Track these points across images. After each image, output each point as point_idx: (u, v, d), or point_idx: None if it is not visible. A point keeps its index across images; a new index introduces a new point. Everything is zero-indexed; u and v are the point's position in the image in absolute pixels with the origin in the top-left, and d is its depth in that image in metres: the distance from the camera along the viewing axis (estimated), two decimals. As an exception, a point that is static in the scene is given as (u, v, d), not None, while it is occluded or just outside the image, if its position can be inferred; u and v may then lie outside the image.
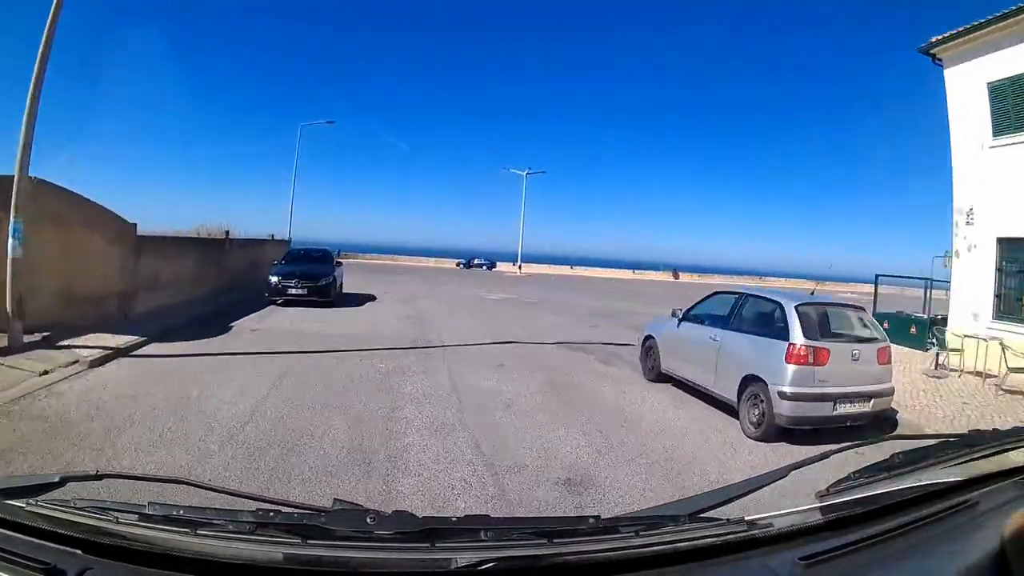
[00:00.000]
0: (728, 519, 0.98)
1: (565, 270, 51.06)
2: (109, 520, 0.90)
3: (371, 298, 15.82)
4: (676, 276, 49.55)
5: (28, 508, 0.92)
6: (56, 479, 1.02)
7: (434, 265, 50.86)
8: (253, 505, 0.98)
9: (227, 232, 16.57)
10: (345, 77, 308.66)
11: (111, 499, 1.08)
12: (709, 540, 0.95)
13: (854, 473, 1.16)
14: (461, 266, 49.67)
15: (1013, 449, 1.25)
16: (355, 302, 14.43)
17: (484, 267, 49.79)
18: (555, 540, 0.90)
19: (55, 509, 0.92)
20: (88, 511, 0.92)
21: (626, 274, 49.81)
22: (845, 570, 0.95)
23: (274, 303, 12.77)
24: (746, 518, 0.99)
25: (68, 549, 0.87)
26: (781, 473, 1.13)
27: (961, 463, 1.21)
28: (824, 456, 1.24)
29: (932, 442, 1.28)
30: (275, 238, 23.08)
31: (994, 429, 1.34)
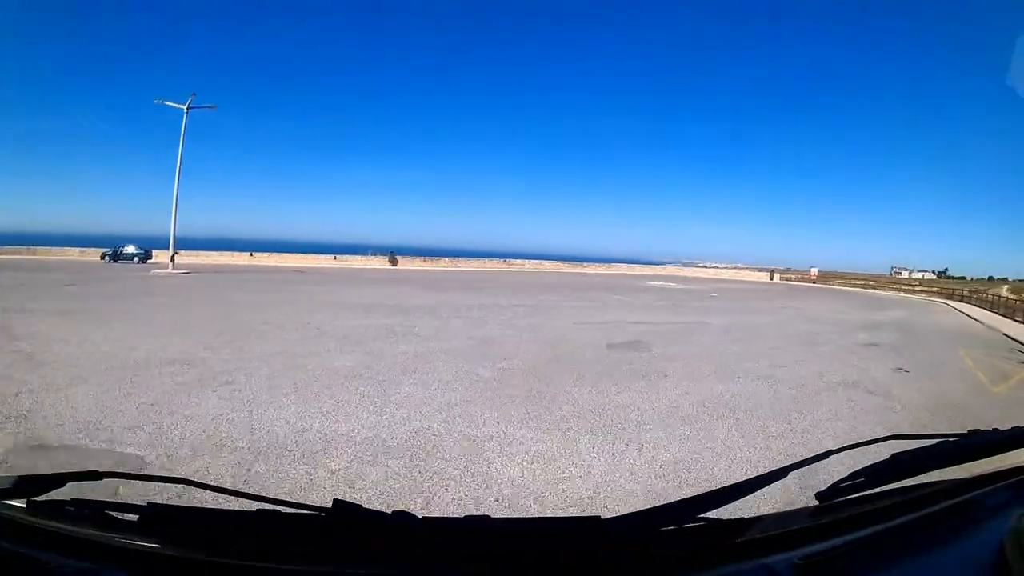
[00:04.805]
0: (727, 520, 0.98)
1: (245, 258, 41.04)
2: (109, 520, 0.90)
3: None
4: (394, 263, 42.83)
5: (28, 508, 0.92)
6: (56, 478, 1.01)
7: (78, 257, 38.77)
8: (253, 505, 0.98)
9: None
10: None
11: (111, 499, 1.08)
12: (708, 541, 0.96)
13: (854, 473, 1.15)
14: (107, 259, 37.82)
15: (1013, 449, 1.25)
16: None
17: (136, 259, 38.23)
18: (555, 541, 0.90)
19: (55, 509, 0.93)
20: (88, 511, 0.92)
21: (327, 260, 43.42)
22: (844, 571, 0.95)
23: None
24: (745, 518, 0.99)
25: (68, 549, 0.87)
26: (780, 473, 1.12)
27: (961, 463, 1.21)
28: (824, 456, 1.23)
29: (932, 442, 1.27)
30: None
31: (994, 429, 1.34)
